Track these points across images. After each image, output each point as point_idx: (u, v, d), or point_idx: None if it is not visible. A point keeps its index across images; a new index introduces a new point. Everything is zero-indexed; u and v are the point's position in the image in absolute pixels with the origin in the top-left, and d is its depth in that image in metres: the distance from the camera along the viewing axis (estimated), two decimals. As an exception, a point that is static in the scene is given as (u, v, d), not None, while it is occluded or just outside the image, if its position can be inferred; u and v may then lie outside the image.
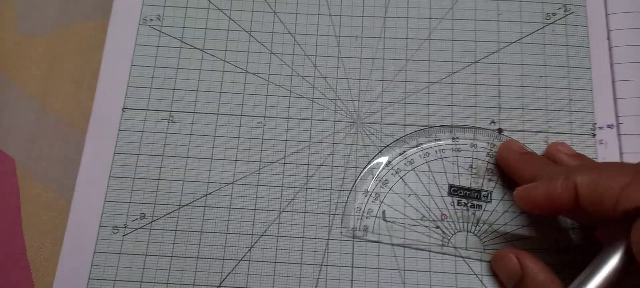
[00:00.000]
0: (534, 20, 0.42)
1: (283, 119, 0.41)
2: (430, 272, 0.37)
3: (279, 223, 0.38)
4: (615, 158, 0.39)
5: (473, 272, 0.37)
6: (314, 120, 0.41)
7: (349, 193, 0.39)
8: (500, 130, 0.40)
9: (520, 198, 0.34)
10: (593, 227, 0.36)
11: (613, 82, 0.41)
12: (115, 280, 0.37)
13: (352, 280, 0.37)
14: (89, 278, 0.37)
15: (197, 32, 0.43)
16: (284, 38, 0.43)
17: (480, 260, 0.37)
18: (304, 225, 0.38)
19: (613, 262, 0.29)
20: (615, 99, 0.40)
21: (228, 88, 0.41)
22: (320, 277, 0.37)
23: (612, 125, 0.40)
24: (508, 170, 0.38)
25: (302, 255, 0.38)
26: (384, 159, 0.40)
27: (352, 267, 0.37)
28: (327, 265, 0.37)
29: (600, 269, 0.29)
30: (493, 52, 0.42)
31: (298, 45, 0.42)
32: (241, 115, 0.41)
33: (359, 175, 0.39)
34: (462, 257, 0.37)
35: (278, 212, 0.39)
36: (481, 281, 0.37)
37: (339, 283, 0.37)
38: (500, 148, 0.39)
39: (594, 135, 0.40)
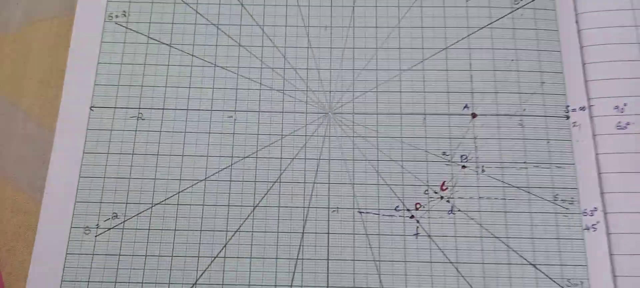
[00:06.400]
0: (503, 5, 0.42)
1: (254, 112, 0.40)
2: (405, 262, 0.37)
3: (253, 219, 0.38)
4: (589, 140, 0.39)
5: (449, 260, 0.37)
6: (286, 112, 0.40)
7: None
8: (474, 115, 0.40)
9: None
10: None
11: (583, 64, 0.41)
12: (88, 282, 0.37)
13: (328, 272, 0.37)
14: (62, 281, 0.37)
15: (164, 27, 0.42)
16: (253, 30, 0.42)
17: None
18: (279, 219, 0.38)
19: None
20: (586, 81, 0.40)
21: (197, 83, 0.41)
22: (296, 271, 0.37)
23: (584, 107, 0.40)
24: None
25: (278, 250, 0.37)
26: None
27: (328, 259, 0.37)
28: (302, 259, 0.37)
29: None
30: (463, 38, 0.41)
31: (267, 37, 0.42)
32: (211, 110, 0.40)
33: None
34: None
35: (252, 207, 0.38)
36: (457, 269, 0.37)
37: (315, 276, 0.37)
38: None
39: (567, 117, 0.40)
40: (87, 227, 0.38)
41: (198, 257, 0.37)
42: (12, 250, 0.38)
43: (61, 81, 0.41)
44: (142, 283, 0.37)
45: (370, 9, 0.42)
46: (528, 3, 0.42)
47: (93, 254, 0.37)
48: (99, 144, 0.39)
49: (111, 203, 0.38)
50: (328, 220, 0.38)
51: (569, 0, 0.42)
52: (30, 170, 0.39)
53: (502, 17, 0.42)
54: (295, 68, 0.41)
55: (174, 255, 0.37)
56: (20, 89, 0.41)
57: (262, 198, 0.38)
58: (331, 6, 0.43)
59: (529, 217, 0.38)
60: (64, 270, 0.37)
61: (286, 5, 0.43)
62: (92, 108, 0.40)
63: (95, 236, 0.38)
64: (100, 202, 0.38)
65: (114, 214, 0.38)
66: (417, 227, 0.38)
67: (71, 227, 0.38)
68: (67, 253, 0.37)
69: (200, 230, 0.38)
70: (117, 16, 0.42)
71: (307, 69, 0.41)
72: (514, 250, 0.37)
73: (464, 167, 0.39)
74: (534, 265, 0.37)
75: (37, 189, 0.39)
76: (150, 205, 0.38)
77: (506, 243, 0.37)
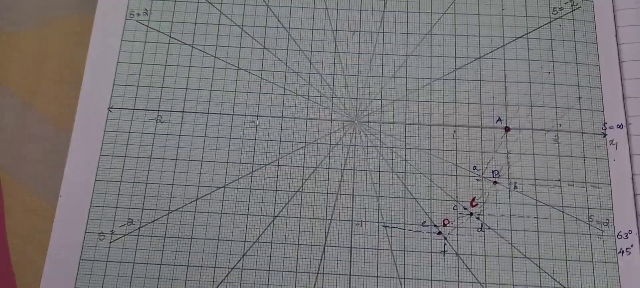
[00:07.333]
0: (540, 14, 0.41)
1: (277, 118, 0.39)
2: (431, 280, 0.35)
3: (272, 229, 0.37)
4: (626, 160, 0.38)
5: (477, 280, 0.35)
6: (310, 119, 0.39)
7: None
8: (507, 129, 0.38)
9: None
10: None
11: (622, 80, 0.39)
12: (101, 289, 0.36)
13: (349, 288, 0.36)
14: (75, 287, 0.36)
15: (187, 27, 0.41)
16: (278, 32, 0.41)
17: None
18: (299, 231, 0.37)
19: None
20: (624, 98, 0.39)
21: (219, 85, 0.40)
22: (316, 285, 0.36)
23: (622, 125, 0.38)
24: None
25: (297, 263, 0.36)
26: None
27: (350, 275, 0.36)
28: (323, 273, 0.36)
29: None
30: (498, 47, 0.40)
31: (292, 40, 0.41)
32: (233, 115, 0.39)
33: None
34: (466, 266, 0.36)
35: (272, 218, 0.37)
36: (485, 290, 0.35)
37: (336, 293, 0.36)
38: None
39: (605, 135, 0.38)
40: (102, 233, 0.37)
41: (214, 267, 0.36)
42: (26, 255, 0.37)
43: (79, 81, 0.40)
44: (156, 292, 0.36)
45: (401, 14, 0.41)
46: (567, 14, 0.40)
47: (107, 261, 0.36)
48: (116, 147, 0.38)
49: (127, 209, 0.37)
50: (351, 234, 0.37)
51: (609, 12, 0.41)
52: (46, 172, 0.38)
53: (539, 27, 0.40)
54: (321, 73, 0.40)
55: (189, 264, 0.36)
56: (36, 88, 0.40)
57: (282, 208, 0.37)
58: (360, 10, 0.41)
59: (563, 237, 0.36)
60: (77, 276, 0.36)
61: (314, 8, 0.41)
62: (110, 109, 0.39)
63: (110, 242, 0.36)
64: (116, 207, 0.37)
65: (130, 220, 0.37)
66: (445, 244, 0.36)
67: (85, 232, 0.37)
68: (80, 259, 0.36)
69: (218, 240, 0.36)
70: (138, 14, 0.41)
71: (333, 74, 0.40)
72: (546, 272, 0.36)
73: (495, 182, 0.37)
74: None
75: (53, 192, 0.38)
76: (167, 211, 0.37)
77: (538, 265, 0.36)
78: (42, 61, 0.41)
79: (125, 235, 0.37)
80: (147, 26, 0.41)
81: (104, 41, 0.41)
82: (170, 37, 0.41)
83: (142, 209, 0.37)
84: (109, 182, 0.38)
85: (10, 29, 0.41)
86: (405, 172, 0.38)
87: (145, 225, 0.37)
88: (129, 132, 0.39)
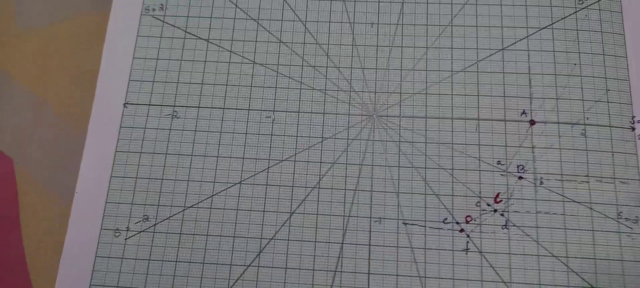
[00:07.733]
0: (566, 4, 0.39)
1: (293, 113, 0.38)
2: (453, 279, 0.34)
3: (289, 226, 0.36)
4: (655, 154, 0.36)
5: (501, 279, 0.34)
6: (327, 114, 0.38)
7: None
8: (532, 122, 0.37)
9: None
10: None
11: (649, 72, 0.38)
12: (117, 286, 0.35)
13: (368, 287, 0.35)
14: (91, 284, 0.35)
15: (202, 22, 0.40)
16: (295, 26, 0.40)
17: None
18: (317, 228, 0.36)
19: None
20: (652, 91, 0.37)
21: (235, 80, 0.39)
22: (334, 284, 0.35)
23: (649, 119, 0.37)
24: None
25: (315, 261, 0.35)
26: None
27: (369, 273, 0.35)
28: (341, 271, 0.35)
29: None
30: (522, 38, 0.39)
31: (309, 33, 0.40)
32: (249, 110, 0.38)
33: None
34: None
35: (288, 214, 0.36)
36: (509, 289, 0.34)
37: (354, 291, 0.35)
38: None
39: (633, 129, 0.37)
40: (118, 229, 0.36)
41: (230, 265, 0.35)
42: (40, 252, 0.36)
43: (93, 77, 0.40)
44: (171, 290, 0.35)
45: (421, 5, 0.40)
46: (593, 4, 0.39)
47: (122, 258, 0.36)
48: (132, 143, 0.38)
49: (142, 205, 0.37)
50: (370, 231, 0.36)
51: (636, 2, 0.39)
52: (60, 169, 0.38)
53: (564, 18, 0.39)
54: (338, 67, 0.39)
55: (205, 262, 0.35)
56: (51, 85, 0.40)
57: (299, 205, 0.36)
58: (379, 2, 0.40)
59: (591, 235, 0.35)
60: (92, 273, 0.36)
61: (331, 0, 0.40)
62: (126, 104, 0.39)
63: (125, 239, 0.36)
64: (132, 204, 0.37)
65: (145, 216, 0.36)
66: (467, 242, 0.35)
67: (101, 229, 0.36)
68: (96, 256, 0.36)
69: (234, 237, 0.36)
70: (154, 9, 0.41)
71: (351, 68, 0.39)
72: (573, 271, 0.34)
73: (520, 178, 0.36)
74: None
75: (68, 189, 0.37)
76: (183, 208, 0.37)
77: (565, 263, 0.35)
78: (58, 58, 0.41)
79: (140, 231, 0.36)
80: (163, 21, 0.41)
81: (120, 37, 0.40)
82: (185, 32, 0.40)
83: (158, 206, 0.37)
84: (124, 179, 0.37)
85: (25, 25, 0.41)
86: (425, 168, 0.37)
87: (161, 221, 0.36)
88: (145, 127, 0.38)
